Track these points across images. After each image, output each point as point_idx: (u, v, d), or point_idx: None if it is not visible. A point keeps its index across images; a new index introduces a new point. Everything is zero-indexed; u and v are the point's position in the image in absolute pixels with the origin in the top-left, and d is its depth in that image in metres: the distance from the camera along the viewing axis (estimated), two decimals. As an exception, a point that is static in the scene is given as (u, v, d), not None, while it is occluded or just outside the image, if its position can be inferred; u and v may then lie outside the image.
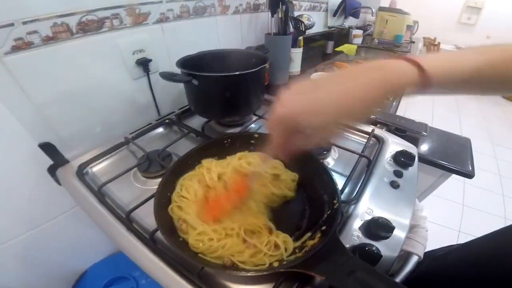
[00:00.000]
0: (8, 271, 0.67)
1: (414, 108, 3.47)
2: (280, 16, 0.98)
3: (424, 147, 0.76)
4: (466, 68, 0.32)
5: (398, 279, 0.45)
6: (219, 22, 0.92)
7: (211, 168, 0.52)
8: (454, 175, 0.75)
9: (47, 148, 0.59)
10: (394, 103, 1.05)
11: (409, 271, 0.46)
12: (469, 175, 0.67)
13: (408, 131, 0.78)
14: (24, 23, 0.49)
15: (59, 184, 0.62)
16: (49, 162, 0.62)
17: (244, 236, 0.41)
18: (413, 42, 2.18)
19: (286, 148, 0.35)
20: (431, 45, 4.03)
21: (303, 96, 0.30)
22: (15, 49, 0.50)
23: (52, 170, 0.62)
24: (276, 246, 0.41)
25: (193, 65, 0.66)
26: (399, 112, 1.02)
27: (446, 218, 1.85)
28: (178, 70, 0.63)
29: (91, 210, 0.52)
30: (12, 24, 0.48)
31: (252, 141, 0.60)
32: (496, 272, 0.42)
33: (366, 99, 0.30)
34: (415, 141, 0.74)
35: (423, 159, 0.70)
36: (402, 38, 2.07)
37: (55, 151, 0.60)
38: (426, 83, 0.30)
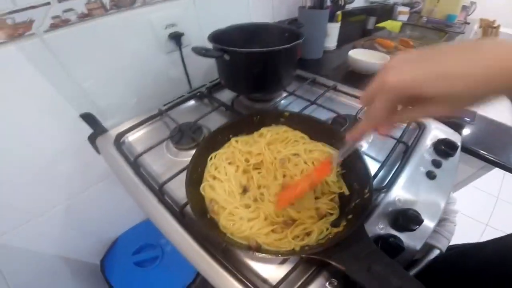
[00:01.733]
0: (50, 237, 0.75)
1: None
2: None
3: (468, 136, 0.69)
4: None
5: (415, 269, 0.45)
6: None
7: (238, 148, 0.53)
8: (496, 168, 0.68)
9: (87, 117, 0.63)
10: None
11: (427, 262, 0.45)
12: (514, 170, 0.61)
13: (453, 117, 0.72)
14: (60, 1, 0.51)
15: (98, 153, 0.67)
16: (88, 133, 0.66)
17: (276, 225, 0.42)
18: (468, 23, 1.95)
19: (387, 123, 0.30)
20: (489, 27, 3.54)
21: (423, 63, 0.25)
22: (53, 27, 0.52)
23: (92, 139, 0.66)
24: (308, 234, 0.41)
25: (225, 39, 0.65)
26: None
27: (476, 209, 1.73)
28: (209, 44, 0.62)
29: (127, 180, 0.55)
30: (49, 3, 0.50)
31: (282, 119, 0.58)
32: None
33: (492, 81, 0.24)
34: (459, 128, 0.68)
35: (464, 148, 0.64)
36: (455, 18, 1.85)
37: (95, 120, 0.64)
38: None
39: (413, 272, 0.46)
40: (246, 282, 0.38)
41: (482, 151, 0.64)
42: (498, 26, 3.54)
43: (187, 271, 0.84)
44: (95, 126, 0.65)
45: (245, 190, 0.48)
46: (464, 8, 1.91)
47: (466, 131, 0.69)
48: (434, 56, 0.26)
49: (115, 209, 0.89)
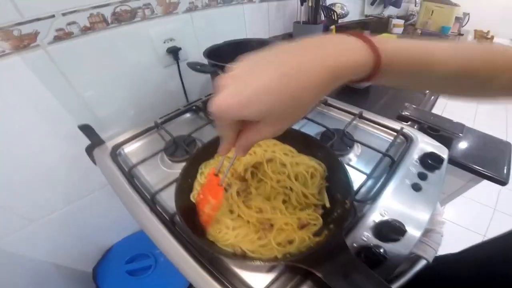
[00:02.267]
0: (42, 244, 0.75)
1: (455, 105, 3.16)
2: (310, 4, 0.95)
3: (457, 149, 0.71)
4: (436, 62, 0.28)
5: (402, 280, 0.45)
6: (246, 10, 0.92)
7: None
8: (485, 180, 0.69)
9: (86, 129, 0.65)
10: (432, 98, 0.98)
11: (414, 273, 0.46)
12: (502, 182, 0.62)
13: (442, 130, 0.74)
14: (64, 14, 0.54)
15: (95, 163, 0.69)
16: (86, 142, 0.68)
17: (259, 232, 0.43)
18: (462, 35, 1.99)
19: (240, 144, 0.30)
20: (483, 38, 3.60)
21: (240, 83, 0.25)
22: (57, 39, 0.55)
23: (89, 150, 0.69)
24: (291, 242, 0.42)
25: (220, 54, 0.68)
26: (437, 109, 0.95)
27: (473, 220, 1.74)
28: (205, 60, 0.65)
29: (121, 190, 0.56)
30: (53, 16, 0.53)
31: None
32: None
33: (302, 90, 0.24)
34: (448, 142, 0.69)
35: (454, 161, 0.66)
36: (449, 29, 1.89)
37: (93, 132, 0.66)
38: (377, 71, 0.26)
39: (400, 282, 0.46)
40: (232, 290, 0.39)
41: (470, 164, 0.65)
42: (492, 37, 3.58)
43: (180, 282, 0.84)
44: (93, 138, 0.67)
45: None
46: (458, 19, 1.94)
47: (455, 144, 0.71)
48: (252, 71, 0.25)
49: (110, 218, 0.90)
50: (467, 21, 2.25)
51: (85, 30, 0.58)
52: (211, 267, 0.41)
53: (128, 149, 0.69)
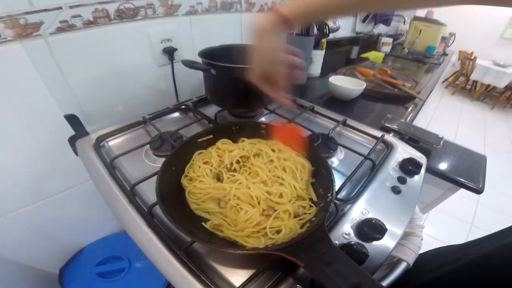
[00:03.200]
0: (8, 240, 0.72)
1: (438, 122, 3.33)
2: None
3: (436, 159, 0.74)
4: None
5: (384, 283, 0.45)
6: (244, 19, 0.95)
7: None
8: (467, 193, 0.72)
9: (71, 119, 0.64)
10: (412, 113, 1.03)
11: (396, 277, 0.46)
12: (478, 190, 0.65)
13: (421, 141, 0.77)
14: (71, 7, 0.55)
15: (77, 154, 0.67)
16: (67, 137, 0.67)
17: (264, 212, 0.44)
18: (446, 55, 2.09)
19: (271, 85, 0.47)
20: (466, 59, 3.83)
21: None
22: (60, 30, 0.56)
23: (72, 141, 0.67)
24: (278, 232, 0.42)
25: (214, 56, 0.69)
26: (421, 125, 0.99)
27: (451, 236, 1.77)
28: (200, 60, 0.66)
29: (101, 181, 0.55)
30: (61, 8, 0.54)
31: (262, 131, 0.62)
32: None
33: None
34: (427, 153, 0.72)
35: (432, 170, 0.68)
36: (434, 49, 1.99)
37: (78, 122, 0.66)
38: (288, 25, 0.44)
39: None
40: (210, 284, 0.38)
41: (448, 173, 0.68)
42: (475, 58, 3.79)
43: (155, 285, 0.81)
44: (78, 128, 0.66)
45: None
46: (444, 39, 2.04)
47: (433, 155, 0.74)
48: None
49: (83, 219, 0.86)
50: (453, 41, 2.37)
51: (88, 24, 0.59)
52: (189, 260, 0.40)
53: (112, 142, 0.68)
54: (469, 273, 0.46)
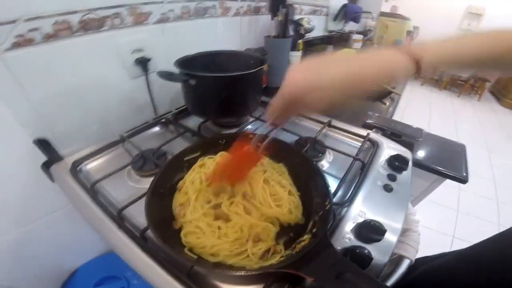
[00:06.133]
0: (5, 265, 0.67)
1: (411, 112, 3.49)
2: (280, 19, 0.99)
3: (419, 152, 0.76)
4: (465, 58, 0.36)
5: (389, 282, 0.45)
6: (219, 24, 0.93)
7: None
8: (448, 181, 0.75)
9: (42, 144, 0.59)
10: (390, 108, 1.06)
11: (400, 274, 0.46)
12: (463, 180, 0.68)
13: (403, 136, 0.79)
14: (27, 20, 0.50)
15: (52, 181, 0.62)
16: (43, 159, 0.62)
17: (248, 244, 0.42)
18: None
19: (284, 116, 0.40)
20: None
21: (309, 75, 0.34)
22: (16, 45, 0.50)
23: (46, 167, 0.62)
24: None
25: (191, 65, 0.67)
26: (396, 117, 1.03)
27: (440, 223, 1.86)
28: (176, 70, 0.64)
29: (83, 207, 0.52)
30: (14, 21, 0.48)
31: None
32: (499, 276, 0.42)
33: (364, 79, 0.34)
34: (410, 146, 0.74)
35: (417, 164, 0.70)
36: (401, 42, 2.08)
37: (50, 147, 0.60)
38: (418, 74, 0.36)
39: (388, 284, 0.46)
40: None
41: (432, 165, 0.70)
42: None
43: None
44: (50, 153, 0.61)
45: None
46: (409, 33, 2.14)
47: (416, 148, 0.76)
48: (322, 63, 0.35)
49: (75, 240, 0.81)
50: (417, 35, 2.51)
51: (48, 38, 0.54)
52: (192, 283, 0.38)
53: (90, 165, 0.64)
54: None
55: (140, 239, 0.44)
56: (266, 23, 1.11)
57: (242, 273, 0.36)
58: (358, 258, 0.41)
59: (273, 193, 0.48)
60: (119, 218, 0.48)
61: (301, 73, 0.35)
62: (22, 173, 0.61)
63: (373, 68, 0.35)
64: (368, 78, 0.35)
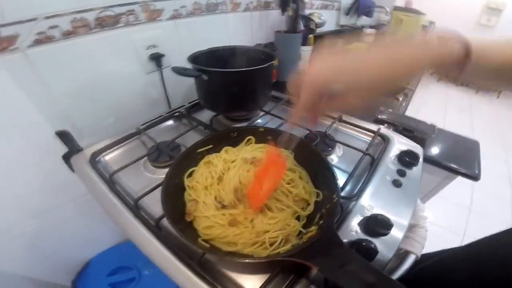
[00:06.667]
0: (15, 257, 0.70)
1: (426, 108, 3.40)
2: (290, 14, 0.99)
3: (431, 148, 0.75)
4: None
5: (394, 277, 0.46)
6: (230, 19, 0.94)
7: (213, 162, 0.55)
8: (461, 178, 0.74)
9: (63, 135, 0.62)
10: (404, 104, 1.04)
11: (406, 269, 0.47)
12: (475, 177, 0.67)
13: (415, 131, 0.78)
14: (47, 17, 0.52)
15: (73, 171, 0.65)
16: (63, 151, 0.65)
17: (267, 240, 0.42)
18: None
19: (313, 112, 0.35)
20: None
21: (338, 56, 0.30)
22: (38, 42, 0.53)
23: (66, 157, 0.65)
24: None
25: (204, 60, 0.68)
26: (411, 112, 1.01)
27: (451, 221, 1.82)
28: (189, 65, 0.65)
29: (102, 197, 0.54)
30: (35, 19, 0.51)
31: (260, 133, 0.61)
32: (497, 271, 0.42)
33: (404, 68, 0.30)
34: (422, 142, 0.73)
35: (428, 160, 0.70)
36: (416, 37, 2.03)
37: (71, 138, 0.64)
38: (466, 64, 0.31)
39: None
40: (225, 293, 0.38)
41: (444, 162, 0.69)
42: None
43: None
44: (71, 145, 0.64)
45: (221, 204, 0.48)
46: (424, 27, 2.08)
47: (428, 144, 0.75)
48: (347, 52, 0.30)
49: (87, 231, 0.85)
50: (433, 30, 2.42)
51: (67, 35, 0.57)
52: (202, 270, 0.40)
53: (108, 156, 0.67)
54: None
55: (155, 228, 0.46)
56: (276, 18, 1.11)
57: (250, 260, 0.38)
58: (363, 251, 0.41)
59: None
60: (136, 207, 0.50)
61: (322, 65, 0.31)
62: (42, 165, 0.65)
63: (415, 54, 0.30)
64: (409, 63, 0.30)
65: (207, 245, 0.41)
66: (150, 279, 0.84)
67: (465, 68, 0.31)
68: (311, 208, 0.47)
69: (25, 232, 0.69)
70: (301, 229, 0.44)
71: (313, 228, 0.42)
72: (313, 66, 0.31)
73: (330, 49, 0.32)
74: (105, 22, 0.62)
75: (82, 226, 0.82)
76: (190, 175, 0.53)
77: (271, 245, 0.41)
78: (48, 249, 0.77)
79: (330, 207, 0.44)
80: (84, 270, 0.87)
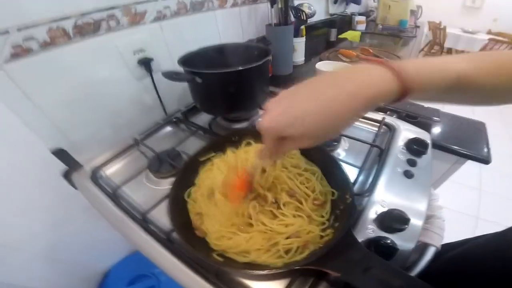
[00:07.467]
0: (34, 272, 0.69)
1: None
2: (280, 6, 0.96)
3: (437, 133, 0.73)
4: (452, 74, 0.31)
5: (415, 271, 0.44)
6: (218, 16, 0.91)
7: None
8: (469, 161, 0.72)
9: (60, 154, 0.60)
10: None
11: (427, 262, 0.45)
12: (486, 160, 0.65)
13: (419, 117, 0.76)
14: (19, 29, 0.49)
15: (76, 188, 0.64)
16: (62, 166, 0.63)
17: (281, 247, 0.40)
18: (418, 27, 2.11)
19: (277, 151, 0.36)
20: (437, 29, 3.89)
21: (287, 107, 0.31)
22: (15, 56, 0.50)
23: (67, 175, 0.63)
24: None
25: (195, 62, 0.66)
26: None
27: (463, 204, 1.80)
28: (180, 68, 0.63)
29: (108, 213, 0.53)
30: (7, 32, 0.48)
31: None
32: None
33: (337, 115, 0.30)
34: (427, 127, 0.72)
35: (436, 145, 0.68)
36: (406, 23, 2.00)
37: (68, 156, 0.62)
38: (405, 92, 0.30)
39: (414, 273, 0.45)
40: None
41: (452, 146, 0.68)
42: (445, 27, 3.86)
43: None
44: (69, 162, 0.62)
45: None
46: (413, 12, 2.06)
47: (434, 129, 0.73)
48: (294, 98, 0.32)
49: (103, 241, 0.84)
50: (421, 14, 2.40)
51: (45, 46, 0.53)
52: (220, 282, 0.39)
53: (109, 170, 0.64)
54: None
55: (167, 241, 0.45)
56: (265, 11, 1.08)
57: (267, 272, 0.36)
58: (382, 250, 0.40)
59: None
60: (145, 222, 0.49)
61: (275, 113, 0.32)
62: (46, 182, 0.63)
63: (344, 95, 0.29)
64: (342, 113, 0.30)
65: (221, 260, 0.39)
66: (169, 284, 0.83)
67: (404, 96, 0.31)
68: (328, 210, 0.45)
69: (43, 246, 0.68)
70: (321, 233, 0.42)
71: (329, 232, 0.40)
72: (268, 114, 0.32)
73: (285, 92, 0.33)
74: (85, 30, 0.59)
75: (97, 236, 0.82)
76: (189, 195, 0.50)
77: (286, 252, 0.39)
78: (66, 261, 0.76)
79: (344, 208, 0.42)
80: (104, 281, 0.87)
